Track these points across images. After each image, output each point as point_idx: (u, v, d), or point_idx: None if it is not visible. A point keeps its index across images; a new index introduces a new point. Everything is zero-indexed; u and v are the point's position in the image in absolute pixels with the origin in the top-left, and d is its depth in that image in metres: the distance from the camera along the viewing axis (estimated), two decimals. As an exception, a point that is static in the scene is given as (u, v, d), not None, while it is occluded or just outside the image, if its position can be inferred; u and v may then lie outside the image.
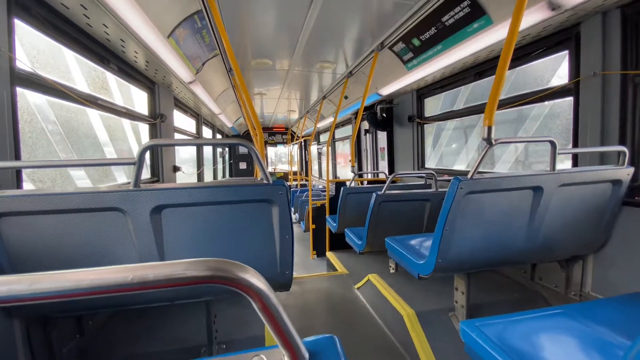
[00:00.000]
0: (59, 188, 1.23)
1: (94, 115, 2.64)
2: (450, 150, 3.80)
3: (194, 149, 5.26)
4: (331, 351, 0.52)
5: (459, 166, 3.62)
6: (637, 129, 1.72)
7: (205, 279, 0.39)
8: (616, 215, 1.76)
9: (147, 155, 3.29)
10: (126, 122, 3.18)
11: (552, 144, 1.53)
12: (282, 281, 1.52)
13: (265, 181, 1.37)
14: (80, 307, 1.37)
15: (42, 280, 0.35)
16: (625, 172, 1.63)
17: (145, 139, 3.30)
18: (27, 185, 1.80)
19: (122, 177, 3.08)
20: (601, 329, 1.22)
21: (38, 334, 1.45)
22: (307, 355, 0.49)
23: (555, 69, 2.31)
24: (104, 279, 0.36)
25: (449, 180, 1.58)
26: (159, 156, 3.31)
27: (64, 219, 1.21)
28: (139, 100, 3.14)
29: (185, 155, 5.40)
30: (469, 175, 1.46)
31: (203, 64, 2.96)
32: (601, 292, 1.86)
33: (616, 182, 1.66)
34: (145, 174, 3.29)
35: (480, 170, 1.48)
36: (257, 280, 0.41)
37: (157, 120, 3.20)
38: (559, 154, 1.55)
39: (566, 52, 2.04)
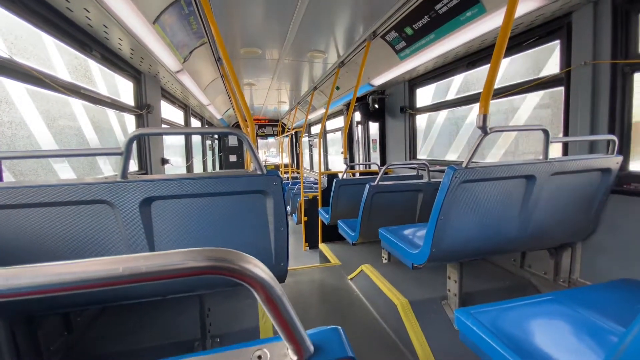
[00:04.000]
0: (42, 180, 1.17)
1: (78, 108, 2.53)
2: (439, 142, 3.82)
3: (182, 142, 5.15)
4: (336, 343, 0.50)
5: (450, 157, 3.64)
6: (626, 117, 1.75)
7: (205, 270, 0.36)
8: (604, 203, 1.79)
9: (135, 147, 3.22)
10: (115, 121, 3.08)
11: (545, 132, 1.54)
12: (277, 273, 1.50)
13: (258, 172, 1.34)
14: (66, 304, 1.33)
15: (21, 275, 0.31)
16: (614, 161, 1.66)
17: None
18: (8, 178, 1.72)
19: (110, 172, 3.00)
20: (590, 314, 1.25)
21: (23, 333, 1.40)
22: (312, 347, 0.47)
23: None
24: (91, 271, 0.33)
25: (441, 171, 1.58)
26: (146, 148, 3.22)
27: (47, 213, 1.16)
28: (126, 92, 3.04)
29: (173, 147, 5.29)
30: (464, 164, 1.46)
31: (190, 52, 2.87)
32: (589, 278, 1.91)
33: (605, 171, 1.69)
34: (133, 167, 3.21)
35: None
36: (260, 270, 0.39)
37: (143, 111, 3.11)
38: (551, 142, 1.56)
39: (558, 41, 2.05)
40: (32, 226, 1.16)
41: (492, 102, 1.42)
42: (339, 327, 0.53)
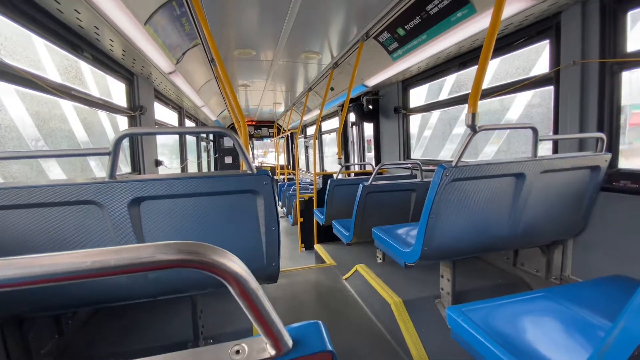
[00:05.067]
0: (30, 181, 1.16)
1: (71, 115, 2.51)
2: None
3: (177, 143, 5.13)
4: (316, 337, 0.50)
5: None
6: (614, 116, 1.77)
7: (175, 263, 0.36)
8: (594, 200, 1.81)
9: (127, 148, 3.20)
10: (107, 123, 3.06)
11: (534, 130, 1.55)
12: (268, 273, 1.50)
13: (249, 171, 1.34)
14: (57, 306, 1.31)
15: None
16: (603, 159, 1.68)
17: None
18: (-3, 181, 1.70)
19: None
20: (581, 310, 1.26)
21: (13, 335, 1.38)
22: (290, 342, 0.47)
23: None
24: (57, 264, 0.32)
25: (434, 170, 1.59)
26: (139, 149, 3.20)
27: (35, 214, 1.14)
28: (119, 95, 3.02)
29: (167, 149, 5.27)
30: (453, 163, 1.47)
31: (183, 54, 2.86)
32: (580, 275, 1.93)
33: (594, 169, 1.71)
34: (127, 170, 3.19)
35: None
36: (233, 263, 0.39)
37: (136, 112, 3.09)
38: (540, 140, 1.57)
39: (547, 41, 2.07)
40: (20, 227, 1.14)
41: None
42: (320, 322, 0.53)
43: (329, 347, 0.48)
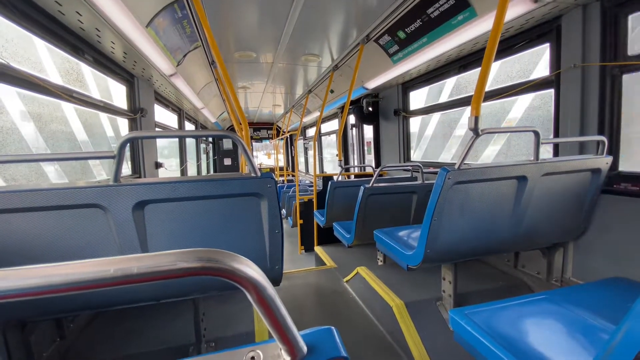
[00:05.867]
0: (34, 184, 1.16)
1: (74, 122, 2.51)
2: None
3: (176, 146, 5.12)
4: (330, 343, 0.50)
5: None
6: (615, 118, 1.78)
7: (196, 271, 0.35)
8: (595, 203, 1.82)
9: (128, 151, 3.20)
10: (107, 124, 3.05)
11: (536, 133, 1.56)
12: (272, 276, 1.50)
13: (252, 174, 1.33)
14: (59, 309, 1.31)
15: (9, 277, 0.31)
16: (604, 161, 1.69)
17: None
18: (-2, 183, 1.70)
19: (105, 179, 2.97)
20: (582, 313, 1.26)
21: (15, 338, 1.37)
22: (305, 348, 0.47)
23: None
24: (80, 273, 0.32)
25: (434, 173, 1.60)
26: (140, 152, 3.20)
27: (39, 217, 1.14)
28: (119, 98, 3.02)
29: (167, 151, 5.26)
30: (456, 166, 1.47)
31: (184, 56, 2.87)
32: (581, 277, 1.93)
33: (595, 171, 1.71)
34: (127, 172, 3.18)
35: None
36: (252, 270, 0.39)
37: (137, 115, 3.09)
38: (542, 143, 1.58)
39: (548, 44, 2.08)
40: (24, 231, 1.14)
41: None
42: (333, 327, 0.53)
43: (343, 353, 0.48)
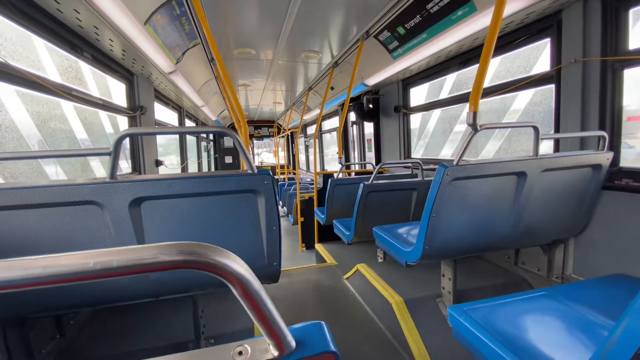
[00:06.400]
0: (30, 181, 1.16)
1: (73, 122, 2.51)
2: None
3: (177, 144, 5.13)
4: (319, 337, 0.50)
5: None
6: (616, 114, 1.76)
7: (178, 264, 0.35)
8: (596, 199, 1.80)
9: (128, 148, 3.20)
10: (108, 123, 3.05)
11: (535, 129, 1.55)
12: (269, 273, 1.50)
13: (250, 171, 1.33)
14: (58, 305, 1.31)
15: None
16: (605, 157, 1.67)
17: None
18: (-3, 181, 1.70)
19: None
20: (583, 309, 1.25)
21: (15, 335, 1.38)
22: (293, 343, 0.47)
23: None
24: (60, 265, 0.32)
25: (434, 169, 1.59)
26: (139, 149, 3.20)
27: (35, 214, 1.14)
28: (119, 96, 3.02)
29: (168, 149, 5.27)
30: (455, 162, 1.47)
31: (183, 53, 2.86)
32: (582, 274, 1.92)
33: (596, 167, 1.70)
34: (127, 170, 3.19)
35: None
36: (236, 264, 0.38)
37: (136, 112, 3.09)
38: (541, 139, 1.57)
39: (548, 39, 2.06)
40: (20, 228, 1.14)
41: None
42: (323, 322, 0.53)
43: (332, 348, 0.48)
